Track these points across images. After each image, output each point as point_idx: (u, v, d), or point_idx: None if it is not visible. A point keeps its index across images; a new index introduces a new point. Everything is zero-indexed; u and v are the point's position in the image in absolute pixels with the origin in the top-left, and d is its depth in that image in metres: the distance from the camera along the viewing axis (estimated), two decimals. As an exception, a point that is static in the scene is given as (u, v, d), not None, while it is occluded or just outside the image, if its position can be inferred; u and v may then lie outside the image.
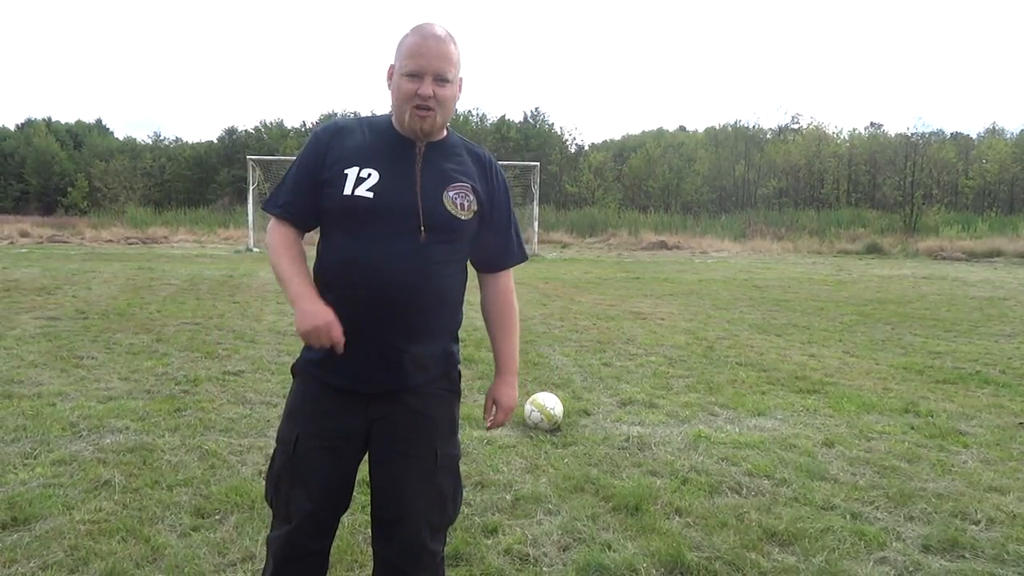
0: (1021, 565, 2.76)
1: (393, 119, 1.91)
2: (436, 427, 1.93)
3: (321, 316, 1.79)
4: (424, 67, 1.79)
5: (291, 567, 1.93)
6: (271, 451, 3.88)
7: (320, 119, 57.62)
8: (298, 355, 1.99)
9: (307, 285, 1.86)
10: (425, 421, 1.91)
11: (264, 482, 2.07)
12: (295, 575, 1.94)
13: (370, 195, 1.81)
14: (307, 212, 1.91)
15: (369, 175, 1.83)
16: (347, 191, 1.82)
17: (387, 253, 1.80)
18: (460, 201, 1.88)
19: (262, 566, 2.47)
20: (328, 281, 1.87)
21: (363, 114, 2.06)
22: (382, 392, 1.87)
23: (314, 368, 1.90)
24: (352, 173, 1.83)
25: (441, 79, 1.81)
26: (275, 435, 2.04)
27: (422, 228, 1.83)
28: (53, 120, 58.88)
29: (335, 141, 1.89)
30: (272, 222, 1.96)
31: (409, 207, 1.83)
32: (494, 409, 2.09)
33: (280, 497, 1.93)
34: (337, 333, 1.80)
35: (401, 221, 1.82)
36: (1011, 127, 60.88)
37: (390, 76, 1.88)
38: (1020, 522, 3.12)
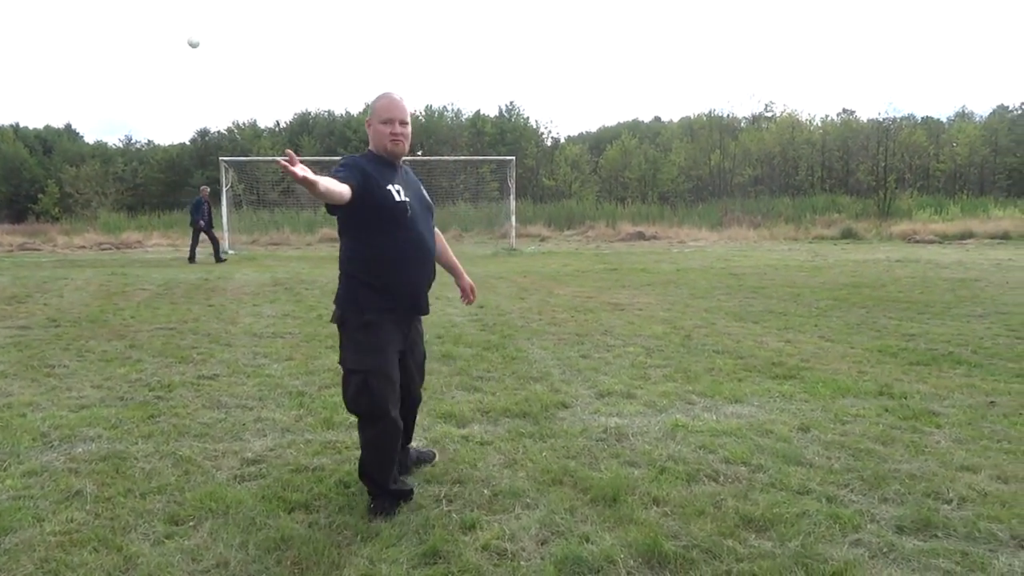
0: (992, 542, 2.80)
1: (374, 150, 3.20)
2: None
3: None
4: (394, 115, 3.12)
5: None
6: (247, 455, 3.96)
7: (294, 118, 57.07)
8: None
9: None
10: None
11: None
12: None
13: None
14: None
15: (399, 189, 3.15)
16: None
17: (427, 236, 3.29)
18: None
19: (236, 572, 2.60)
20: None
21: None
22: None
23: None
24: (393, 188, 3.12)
25: (403, 122, 3.14)
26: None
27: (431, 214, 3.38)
28: (20, 126, 57.90)
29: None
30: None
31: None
32: (469, 292, 3.65)
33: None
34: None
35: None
36: (980, 110, 61.78)
37: (368, 125, 3.19)
38: (991, 500, 3.17)
